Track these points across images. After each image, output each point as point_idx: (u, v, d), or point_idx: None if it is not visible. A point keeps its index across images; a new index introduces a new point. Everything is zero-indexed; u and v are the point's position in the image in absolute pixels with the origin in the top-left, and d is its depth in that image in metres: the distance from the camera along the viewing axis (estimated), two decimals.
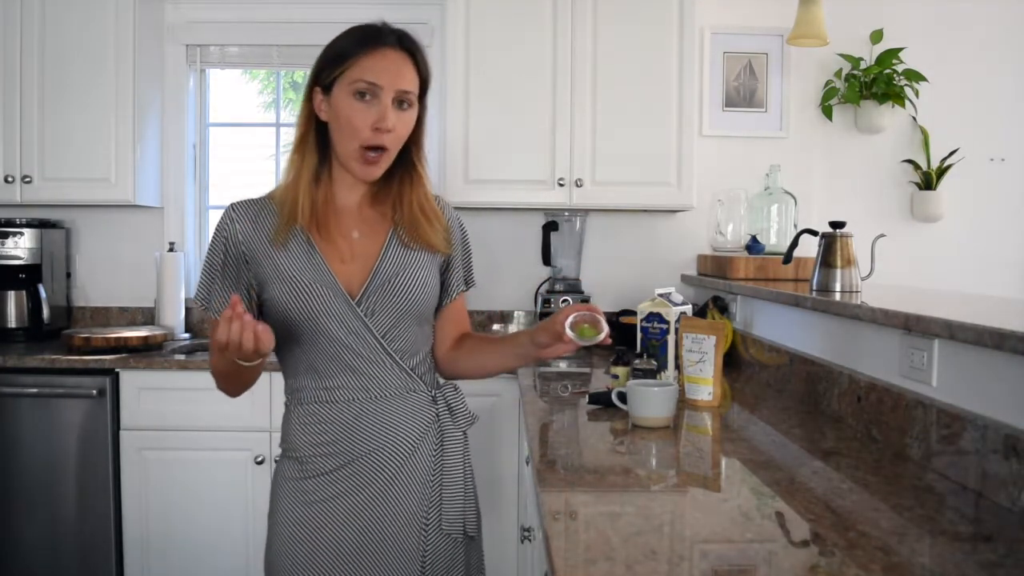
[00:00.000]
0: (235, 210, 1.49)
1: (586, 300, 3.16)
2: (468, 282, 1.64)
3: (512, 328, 3.35)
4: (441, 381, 1.62)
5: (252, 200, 1.52)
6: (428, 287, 1.52)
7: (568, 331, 1.41)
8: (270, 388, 2.76)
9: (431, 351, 1.60)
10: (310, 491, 1.47)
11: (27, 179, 3.05)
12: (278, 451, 1.59)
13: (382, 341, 1.47)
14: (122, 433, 2.78)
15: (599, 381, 2.39)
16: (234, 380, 1.50)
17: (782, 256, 2.53)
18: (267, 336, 1.31)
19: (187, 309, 3.36)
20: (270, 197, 1.51)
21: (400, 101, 1.44)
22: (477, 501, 1.61)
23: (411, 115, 1.47)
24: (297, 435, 1.50)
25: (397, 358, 1.49)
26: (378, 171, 1.47)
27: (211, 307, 1.50)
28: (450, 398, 1.56)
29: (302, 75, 3.70)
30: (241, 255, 1.48)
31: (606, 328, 1.42)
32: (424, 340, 1.57)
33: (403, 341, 1.50)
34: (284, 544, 1.47)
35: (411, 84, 1.46)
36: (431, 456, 1.52)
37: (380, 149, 1.43)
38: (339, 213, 1.51)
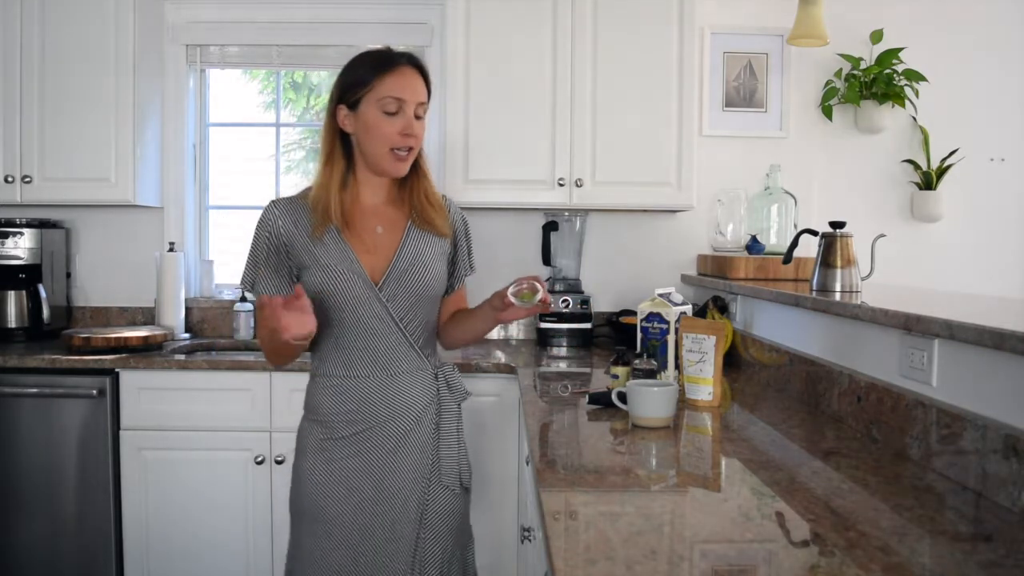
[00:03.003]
0: (277, 207, 1.75)
1: (586, 300, 3.16)
2: (472, 267, 1.95)
3: (512, 328, 3.36)
4: (441, 361, 1.88)
5: (289, 198, 1.78)
6: (439, 275, 1.81)
7: (511, 296, 1.73)
8: (270, 388, 2.76)
9: (435, 330, 1.89)
10: (333, 450, 1.75)
11: (27, 179, 3.05)
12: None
13: (399, 324, 1.75)
14: (122, 433, 2.78)
15: (599, 381, 2.39)
16: (281, 355, 1.74)
17: (782, 256, 2.53)
18: (310, 320, 1.58)
19: (187, 309, 3.37)
20: (304, 196, 1.76)
21: (417, 113, 1.72)
22: (468, 457, 1.89)
23: (425, 121, 1.76)
24: (322, 403, 1.77)
25: (409, 339, 1.77)
26: (406, 166, 1.75)
27: (256, 289, 1.76)
28: (448, 376, 1.85)
29: (302, 75, 3.70)
30: (283, 246, 1.74)
31: (541, 292, 1.72)
32: (432, 323, 1.85)
33: (416, 324, 1.78)
34: (311, 493, 1.74)
35: (424, 96, 1.75)
36: (432, 424, 1.80)
37: (407, 150, 1.72)
38: (365, 211, 1.77)
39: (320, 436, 1.76)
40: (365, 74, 1.70)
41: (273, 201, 1.77)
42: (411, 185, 1.80)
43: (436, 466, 1.79)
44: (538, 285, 1.73)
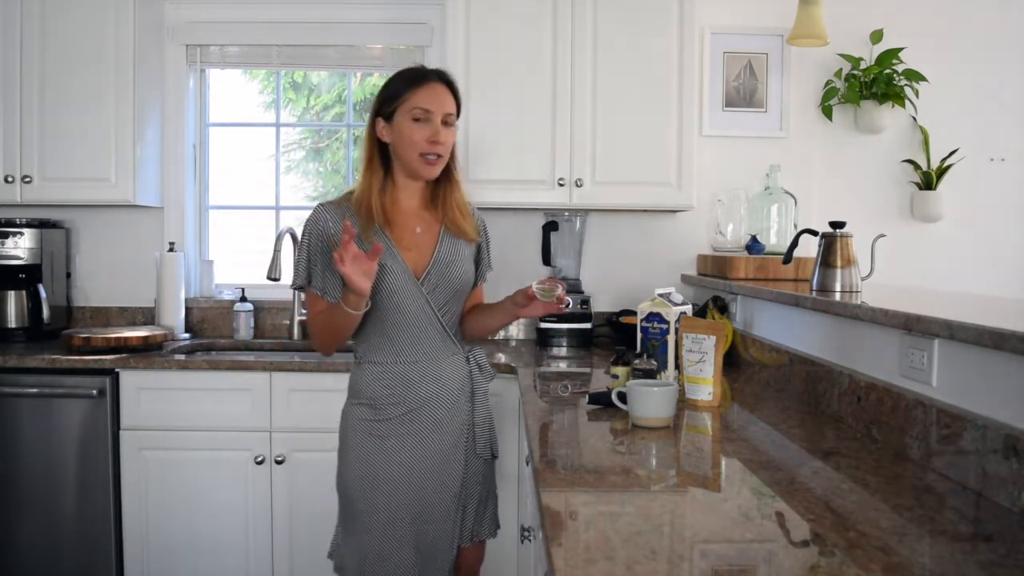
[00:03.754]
0: (325, 210, 1.93)
1: (586, 300, 3.16)
2: (491, 266, 2.15)
3: (512, 328, 3.36)
4: (469, 346, 2.08)
5: (335, 201, 1.96)
6: (470, 271, 2.03)
7: (534, 288, 1.91)
8: (270, 388, 2.76)
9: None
10: (383, 430, 1.93)
11: (27, 179, 3.05)
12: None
13: (438, 314, 1.95)
14: (122, 433, 2.78)
15: (599, 381, 2.39)
16: (334, 335, 1.90)
17: (782, 256, 2.53)
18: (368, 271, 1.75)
19: (187, 309, 3.37)
20: (347, 199, 1.94)
21: (445, 121, 1.91)
22: (495, 430, 2.12)
23: (454, 131, 1.95)
24: (371, 387, 1.95)
25: (447, 328, 1.97)
26: (436, 170, 1.93)
27: (313, 284, 1.92)
28: (478, 358, 2.07)
29: (302, 75, 3.70)
30: (334, 245, 1.88)
31: (559, 290, 1.91)
32: (460, 313, 2.05)
33: (451, 315, 1.99)
34: (362, 470, 1.92)
35: (452, 108, 1.93)
36: (467, 402, 2.02)
37: (436, 155, 1.90)
38: (404, 213, 1.96)
39: (368, 418, 1.95)
40: (399, 88, 1.91)
41: (321, 204, 1.95)
42: (443, 192, 1.99)
43: (471, 439, 2.02)
44: (559, 284, 1.93)
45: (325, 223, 1.91)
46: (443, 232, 1.98)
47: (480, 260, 2.11)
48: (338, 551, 2.01)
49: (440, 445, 1.97)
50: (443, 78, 1.95)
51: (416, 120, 1.88)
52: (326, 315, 1.88)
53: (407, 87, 1.90)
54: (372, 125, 1.94)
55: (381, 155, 1.95)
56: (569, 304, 1.95)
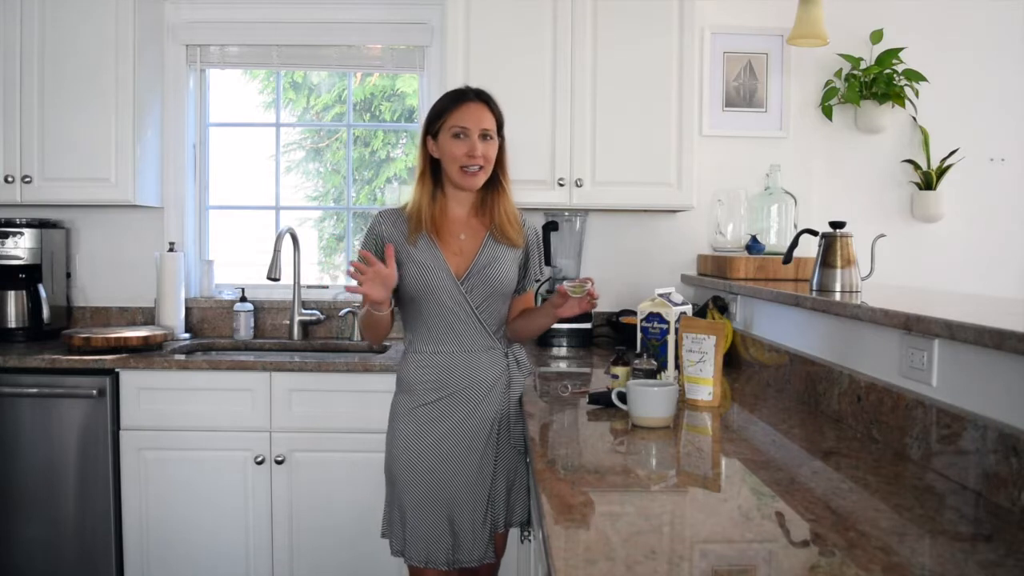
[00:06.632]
0: (382, 217, 2.16)
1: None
2: (541, 274, 2.29)
3: None
4: (511, 343, 2.22)
5: (393, 209, 2.18)
6: (509, 277, 2.16)
7: (565, 286, 2.08)
8: (270, 388, 2.76)
9: (506, 320, 2.22)
10: (421, 415, 2.10)
11: (27, 179, 3.05)
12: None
13: (476, 311, 2.10)
14: (122, 433, 2.78)
15: (599, 381, 2.39)
16: (371, 329, 2.09)
17: (782, 256, 2.53)
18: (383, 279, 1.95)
19: (187, 309, 3.37)
20: (404, 208, 2.15)
21: (483, 136, 2.07)
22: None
23: (494, 144, 2.11)
24: (412, 374, 2.12)
25: (484, 324, 2.12)
26: (477, 182, 2.09)
27: None
28: (517, 355, 2.20)
29: (302, 75, 3.70)
30: (385, 246, 2.07)
31: (587, 286, 2.06)
32: (503, 314, 2.20)
33: (489, 313, 2.13)
34: (403, 451, 2.09)
35: (489, 124, 2.09)
36: (502, 392, 2.13)
37: (475, 167, 2.06)
38: (452, 221, 2.15)
39: (409, 404, 2.11)
40: (440, 109, 2.10)
41: (380, 212, 2.18)
42: (491, 201, 2.15)
43: (505, 427, 2.12)
44: (588, 281, 2.08)
45: (380, 228, 2.13)
46: (488, 238, 2.14)
47: (528, 268, 2.24)
48: (388, 529, 2.15)
49: (474, 431, 2.09)
50: (480, 96, 2.11)
51: (456, 137, 2.06)
52: (365, 311, 2.07)
53: (447, 107, 2.09)
54: (424, 143, 2.13)
55: (432, 169, 2.13)
56: (596, 299, 2.07)
